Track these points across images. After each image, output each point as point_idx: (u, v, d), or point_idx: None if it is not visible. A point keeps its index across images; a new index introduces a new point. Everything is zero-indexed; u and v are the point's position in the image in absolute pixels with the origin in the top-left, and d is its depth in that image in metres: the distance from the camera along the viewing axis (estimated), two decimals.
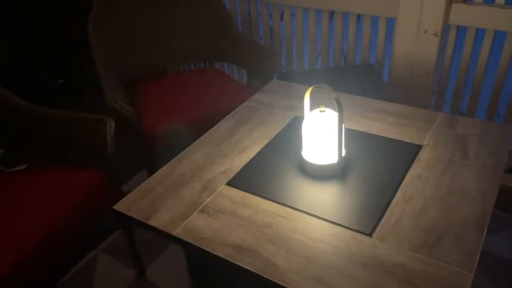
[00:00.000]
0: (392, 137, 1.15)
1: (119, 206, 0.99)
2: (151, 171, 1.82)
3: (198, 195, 1.01)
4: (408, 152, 1.09)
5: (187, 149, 1.18)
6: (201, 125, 1.68)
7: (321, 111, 0.99)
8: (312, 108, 1.06)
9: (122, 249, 1.69)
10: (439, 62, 1.85)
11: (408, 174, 1.02)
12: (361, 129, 1.19)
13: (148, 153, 1.69)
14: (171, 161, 1.13)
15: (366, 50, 2.02)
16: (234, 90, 1.85)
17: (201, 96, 1.80)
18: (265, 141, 1.18)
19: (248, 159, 1.11)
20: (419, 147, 1.10)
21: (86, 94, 2.63)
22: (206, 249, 0.86)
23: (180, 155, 1.16)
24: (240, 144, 1.17)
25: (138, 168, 2.09)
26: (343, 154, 1.03)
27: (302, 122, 1.24)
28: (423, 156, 1.07)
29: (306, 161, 1.04)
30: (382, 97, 1.71)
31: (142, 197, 1.02)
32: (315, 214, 0.93)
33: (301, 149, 1.11)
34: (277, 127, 1.23)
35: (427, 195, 0.95)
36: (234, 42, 2.01)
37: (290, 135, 1.19)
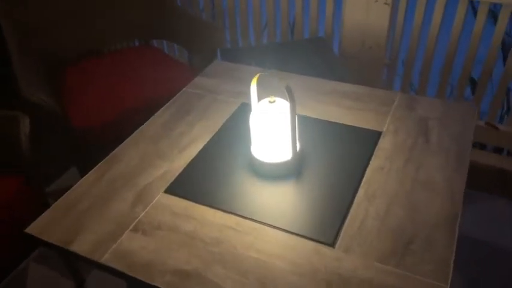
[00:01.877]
0: (349, 123, 1.05)
1: (33, 229, 0.82)
2: (83, 172, 1.62)
3: (131, 209, 0.85)
4: (367, 141, 0.99)
5: (117, 149, 1.01)
6: (140, 114, 1.50)
7: (270, 101, 0.86)
8: (260, 96, 0.92)
9: (57, 257, 1.51)
10: (391, 34, 1.76)
11: (369, 166, 0.92)
12: (315, 116, 1.07)
13: (78, 150, 1.49)
14: (97, 166, 0.96)
15: (314, 21, 1.89)
16: (176, 72, 1.67)
17: (137, 81, 1.60)
18: (209, 136, 1.03)
19: (190, 159, 0.96)
20: (378, 134, 1.00)
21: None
22: (142, 279, 0.72)
23: (109, 156, 0.99)
24: (180, 141, 1.02)
25: (69, 165, 1.88)
26: (298, 149, 0.91)
27: (249, 109, 1.10)
28: (384, 144, 0.97)
29: (256, 159, 0.91)
30: (333, 72, 1.60)
31: (62, 214, 0.85)
32: (271, 224, 0.80)
33: (250, 144, 0.98)
34: (223, 117, 1.09)
35: (392, 191, 0.85)
36: (172, 16, 1.81)
37: (237, 127, 1.05)
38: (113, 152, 1.00)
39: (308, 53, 1.72)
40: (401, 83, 1.86)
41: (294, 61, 1.66)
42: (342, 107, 1.10)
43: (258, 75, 0.85)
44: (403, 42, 1.83)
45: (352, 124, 1.04)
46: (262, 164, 0.90)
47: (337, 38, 1.90)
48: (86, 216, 0.84)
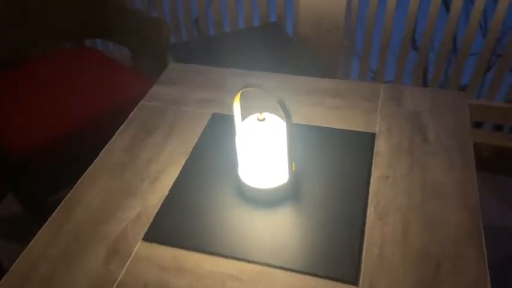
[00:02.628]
0: (337, 126, 0.94)
1: None
2: (23, 199, 1.40)
3: (105, 267, 0.70)
4: (362, 145, 0.89)
5: (75, 187, 0.83)
6: (84, 132, 1.30)
7: (259, 119, 0.73)
8: (242, 110, 0.79)
9: None
10: (348, 15, 1.67)
11: (372, 176, 0.82)
12: (299, 121, 0.96)
13: (13, 174, 1.27)
14: (52, 216, 0.78)
15: (264, 5, 1.75)
16: (120, 77, 1.47)
17: (77, 91, 1.39)
18: (183, 159, 0.88)
19: (166, 192, 0.82)
20: (372, 136, 0.91)
21: None
22: None
23: (64, 202, 0.81)
24: (149, 169, 0.87)
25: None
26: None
27: (223, 121, 0.96)
28: (380, 147, 0.88)
29: (247, 185, 0.78)
30: (293, 57, 1.49)
31: (19, 285, 0.68)
32: (280, 265, 0.69)
33: (236, 166, 0.85)
34: (194, 134, 0.94)
35: (403, 205, 0.77)
36: (106, 10, 1.59)
37: (214, 145, 0.91)
38: (68, 195, 0.82)
39: (263, 40, 1.59)
40: (360, 66, 1.79)
41: (249, 50, 1.53)
42: (326, 106, 0.99)
43: (240, 92, 0.72)
44: (359, 24, 1.75)
45: (341, 127, 0.94)
46: (254, 190, 0.78)
47: (291, 22, 1.78)
48: (50, 284, 0.67)
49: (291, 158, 0.75)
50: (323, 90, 1.04)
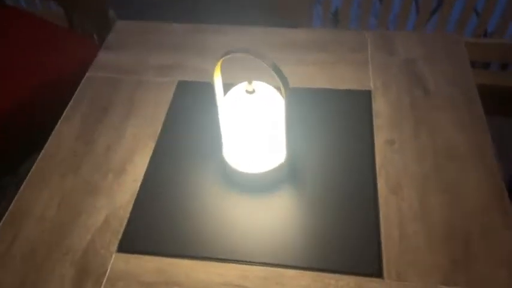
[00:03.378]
0: (328, 85, 0.82)
1: None
2: None
3: None
4: (359, 107, 0.77)
5: (19, 194, 0.67)
6: (21, 116, 1.10)
7: (248, 91, 0.59)
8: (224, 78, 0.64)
9: None
10: None
11: (376, 142, 0.72)
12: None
13: None
14: None
15: None
16: (57, 41, 1.24)
17: (6, 66, 1.16)
18: (151, 142, 0.73)
19: (137, 186, 0.67)
20: (368, 94, 0.79)
21: None
22: None
23: (10, 211, 0.65)
24: (111, 159, 0.71)
25: None
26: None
27: (193, 90, 0.81)
28: (379, 106, 0.77)
29: (237, 170, 0.65)
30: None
31: None
32: (290, 264, 0.58)
33: (218, 146, 0.71)
34: (159, 110, 0.78)
35: (415, 174, 0.67)
36: None
37: (185, 120, 0.76)
38: (12, 205, 0.66)
39: None
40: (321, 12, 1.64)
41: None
42: (312, 63, 0.86)
43: (221, 60, 0.56)
44: None
45: (332, 86, 0.81)
46: (246, 176, 0.65)
47: None
48: None
49: (289, 134, 0.62)
50: (301, 44, 0.90)
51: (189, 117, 0.77)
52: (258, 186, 0.66)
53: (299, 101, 0.79)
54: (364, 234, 0.61)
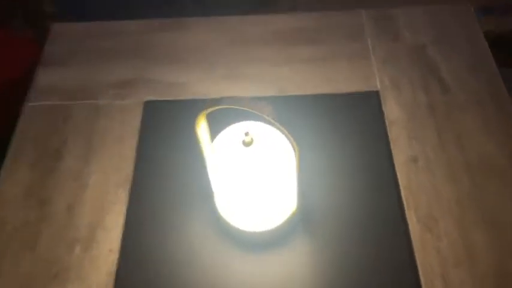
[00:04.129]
0: (324, 90, 0.67)
1: None
2: None
3: None
4: (367, 114, 0.64)
5: None
6: None
7: (246, 143, 0.44)
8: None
9: None
10: None
11: (395, 161, 0.59)
12: (273, 91, 0.67)
13: None
14: None
15: None
16: None
17: None
18: (124, 193, 0.59)
19: (115, 260, 0.53)
20: (376, 96, 0.66)
21: None
22: None
23: None
24: (76, 225, 0.56)
25: None
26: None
27: (166, 111, 0.67)
28: (392, 112, 0.64)
29: (235, 227, 0.52)
30: None
31: None
32: None
33: (209, 191, 0.57)
34: (127, 143, 0.63)
35: (449, 202, 0.56)
36: None
37: (163, 155, 0.61)
38: None
39: None
40: None
41: None
42: (301, 61, 0.71)
43: (203, 114, 0.41)
44: None
45: (330, 91, 0.67)
46: (247, 233, 0.52)
47: None
48: None
49: (300, 187, 0.49)
50: (286, 35, 0.75)
51: (166, 151, 0.62)
52: (263, 243, 0.53)
53: (293, 115, 0.65)
54: None
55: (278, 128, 0.40)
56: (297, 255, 0.53)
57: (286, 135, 0.41)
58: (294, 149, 0.42)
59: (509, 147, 0.60)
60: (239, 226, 0.52)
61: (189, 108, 0.65)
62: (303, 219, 0.55)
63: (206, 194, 0.56)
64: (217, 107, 0.38)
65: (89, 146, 0.63)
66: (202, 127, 0.44)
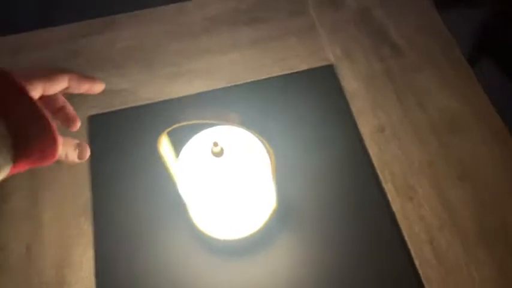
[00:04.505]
0: (276, 72, 0.64)
1: None
2: None
3: None
4: (325, 90, 0.62)
5: None
6: None
7: (215, 153, 0.40)
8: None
9: None
10: None
11: (364, 136, 0.58)
12: (221, 83, 0.63)
13: None
14: None
15: None
16: None
17: None
18: (86, 222, 0.53)
19: None
20: (331, 70, 0.64)
21: None
22: None
23: None
24: (40, 268, 0.51)
25: None
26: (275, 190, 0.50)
27: (115, 125, 0.61)
28: (349, 84, 0.63)
29: (213, 237, 0.49)
30: None
31: None
32: None
33: (182, 208, 0.53)
34: (77, 168, 0.57)
35: (422, 165, 0.55)
36: None
37: (121, 174, 0.56)
38: None
39: None
40: None
41: None
42: (250, 43, 0.67)
43: (164, 135, 0.37)
44: None
45: (282, 71, 0.64)
46: (229, 242, 0.49)
47: None
48: None
49: (278, 188, 0.46)
50: (231, 16, 0.70)
51: (123, 166, 0.57)
52: (243, 250, 0.51)
53: (246, 103, 0.62)
54: (393, 267, 0.50)
55: (249, 132, 0.37)
56: (281, 254, 0.51)
57: (259, 139, 0.38)
58: (268, 152, 0.39)
59: (468, 100, 0.60)
60: (218, 236, 0.49)
61: (138, 117, 0.61)
62: (283, 215, 0.53)
63: (178, 208, 0.52)
64: (178, 125, 0.34)
65: (35, 178, 0.57)
66: (164, 146, 0.40)
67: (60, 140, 0.29)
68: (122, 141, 0.59)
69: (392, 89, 0.62)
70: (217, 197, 0.42)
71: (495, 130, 0.58)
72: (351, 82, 0.63)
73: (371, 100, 0.61)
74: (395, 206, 0.53)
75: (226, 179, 0.41)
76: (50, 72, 0.32)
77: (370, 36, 0.67)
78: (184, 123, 0.34)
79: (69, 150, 0.32)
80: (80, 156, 0.33)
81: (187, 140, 0.44)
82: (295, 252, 0.50)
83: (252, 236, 0.49)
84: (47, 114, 0.29)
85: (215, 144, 0.39)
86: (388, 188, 0.54)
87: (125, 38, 0.69)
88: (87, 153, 0.34)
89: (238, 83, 0.64)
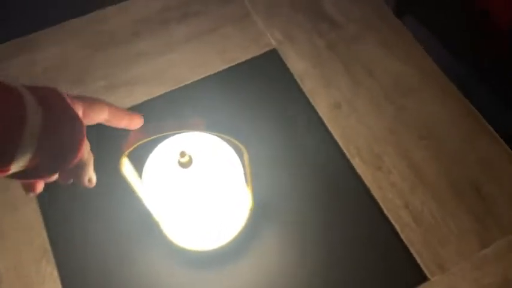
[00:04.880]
0: (220, 66, 0.62)
1: None
2: None
3: None
4: (273, 76, 0.61)
5: None
6: None
7: (183, 164, 0.37)
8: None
9: None
10: None
11: (322, 115, 0.57)
12: (165, 88, 0.60)
13: None
14: None
15: None
16: None
17: None
18: (48, 263, 0.48)
19: None
20: (275, 55, 0.62)
21: None
22: None
23: None
24: None
25: None
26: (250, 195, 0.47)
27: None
28: (296, 65, 0.61)
29: (187, 249, 0.46)
30: None
31: None
32: None
33: (153, 225, 0.49)
34: (23, 207, 0.51)
35: (384, 134, 0.56)
36: None
37: (73, 201, 0.51)
38: None
39: None
40: None
41: None
42: (187, 40, 0.63)
43: (124, 157, 0.33)
44: None
45: (230, 63, 0.61)
46: (209, 252, 0.46)
47: None
48: None
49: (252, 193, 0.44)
50: (160, 15, 0.66)
51: (75, 195, 0.52)
52: (223, 260, 0.48)
53: (197, 105, 0.59)
54: (376, 240, 0.50)
55: (217, 135, 0.34)
56: (263, 258, 0.49)
57: (228, 141, 0.35)
58: (242, 151, 0.37)
59: (413, 61, 0.61)
60: (195, 248, 0.46)
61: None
62: (260, 214, 0.51)
63: (150, 226, 0.48)
64: (142, 142, 0.31)
65: None
66: (126, 167, 0.36)
67: (84, 147, 0.27)
68: None
69: (338, 62, 0.61)
70: (189, 208, 0.39)
71: (443, 87, 0.59)
72: (297, 63, 0.62)
73: (321, 78, 0.60)
74: (367, 178, 0.53)
75: (196, 189, 0.38)
76: (91, 99, 0.28)
77: (306, 15, 0.66)
78: (148, 139, 0.31)
79: (85, 171, 0.29)
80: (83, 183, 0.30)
81: (149, 152, 0.40)
82: (277, 252, 0.49)
83: (230, 243, 0.46)
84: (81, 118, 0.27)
85: (182, 154, 0.36)
86: (356, 162, 0.54)
87: (46, 58, 0.63)
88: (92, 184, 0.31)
89: (183, 84, 0.60)
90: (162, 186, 0.38)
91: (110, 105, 0.30)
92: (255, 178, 0.45)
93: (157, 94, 0.59)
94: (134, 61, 0.62)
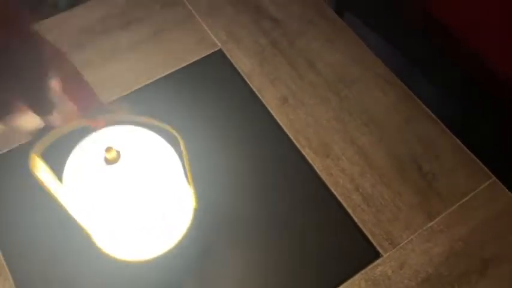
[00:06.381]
0: (167, 70, 0.62)
1: None
2: None
3: None
4: (221, 75, 0.62)
5: None
6: None
7: (108, 159, 0.37)
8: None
9: None
10: None
11: (271, 110, 0.59)
12: (113, 95, 0.59)
13: None
14: None
15: None
16: None
17: None
18: None
19: None
20: (221, 55, 0.63)
21: None
22: None
23: None
24: None
25: None
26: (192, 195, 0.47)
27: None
28: (243, 64, 0.63)
29: (133, 262, 0.45)
30: None
31: None
32: None
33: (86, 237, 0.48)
34: None
35: (330, 123, 0.58)
36: None
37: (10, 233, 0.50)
38: None
39: None
40: None
41: None
42: (132, 46, 0.63)
43: (36, 154, 0.33)
44: None
45: (178, 66, 0.62)
46: (150, 261, 0.46)
47: None
48: None
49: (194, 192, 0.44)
50: (101, 24, 0.65)
51: (11, 228, 0.51)
52: (167, 268, 0.48)
53: (143, 109, 0.59)
54: (331, 224, 0.52)
55: (150, 123, 0.34)
56: (214, 254, 0.50)
57: (163, 127, 0.35)
58: (179, 139, 0.37)
59: (352, 51, 0.64)
60: (133, 258, 0.45)
61: (13, 160, 0.54)
62: (205, 214, 0.51)
63: (76, 240, 0.44)
64: (50, 140, 0.30)
65: None
66: (40, 168, 0.35)
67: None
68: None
69: (283, 58, 0.64)
70: (121, 212, 0.37)
71: (384, 76, 0.62)
72: (243, 62, 0.63)
73: (267, 74, 0.62)
74: (318, 167, 0.55)
75: (127, 188, 0.36)
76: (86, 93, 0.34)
77: (248, 14, 0.67)
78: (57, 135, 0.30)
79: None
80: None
81: (70, 149, 0.38)
82: (229, 255, 0.50)
83: (174, 249, 0.45)
84: None
85: (108, 149, 0.34)
86: (307, 152, 0.56)
87: None
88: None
89: (130, 91, 0.60)
90: (87, 188, 0.36)
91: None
92: (199, 176, 0.45)
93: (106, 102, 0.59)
94: (81, 71, 0.61)
